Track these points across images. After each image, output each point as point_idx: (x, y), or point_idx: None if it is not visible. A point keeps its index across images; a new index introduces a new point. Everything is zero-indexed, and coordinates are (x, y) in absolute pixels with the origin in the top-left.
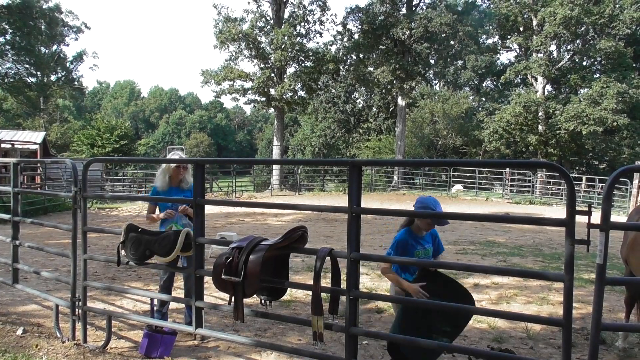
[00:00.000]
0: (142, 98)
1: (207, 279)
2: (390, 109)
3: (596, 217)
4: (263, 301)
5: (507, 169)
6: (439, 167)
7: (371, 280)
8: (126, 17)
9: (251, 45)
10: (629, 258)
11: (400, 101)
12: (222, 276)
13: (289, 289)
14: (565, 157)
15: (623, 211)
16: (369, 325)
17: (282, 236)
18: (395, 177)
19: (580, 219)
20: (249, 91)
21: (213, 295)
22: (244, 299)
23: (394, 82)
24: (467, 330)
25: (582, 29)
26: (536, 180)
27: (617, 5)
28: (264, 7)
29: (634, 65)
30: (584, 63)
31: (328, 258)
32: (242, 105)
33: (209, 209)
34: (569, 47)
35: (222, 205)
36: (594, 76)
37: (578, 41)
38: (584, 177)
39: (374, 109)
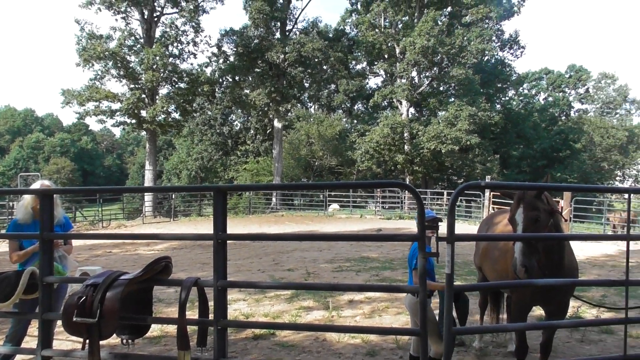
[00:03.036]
0: None
1: None
2: (268, 131)
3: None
4: (125, 340)
5: (378, 188)
6: (316, 189)
7: (248, 305)
8: None
9: (119, 65)
10: (482, 265)
11: (277, 123)
12: (75, 318)
13: (160, 324)
14: (429, 174)
15: (479, 221)
16: (246, 354)
17: (143, 268)
18: (274, 199)
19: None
20: (118, 113)
21: (70, 340)
22: (102, 341)
23: (270, 104)
24: (342, 346)
25: (438, 57)
26: (404, 197)
27: (465, 38)
28: (133, 25)
29: (482, 90)
30: (441, 88)
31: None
32: (110, 127)
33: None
34: (427, 74)
35: (73, 239)
36: (450, 100)
37: (435, 68)
38: (445, 192)
39: (252, 131)
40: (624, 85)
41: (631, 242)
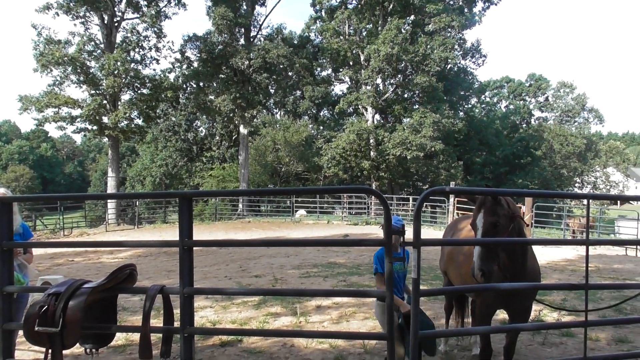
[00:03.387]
0: None
1: None
2: (233, 137)
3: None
4: (88, 350)
5: (345, 194)
6: (283, 194)
7: (215, 313)
8: None
9: (79, 70)
10: (447, 270)
11: (243, 129)
12: (36, 328)
13: (124, 332)
14: (394, 180)
15: (444, 227)
16: None
17: (107, 277)
18: (241, 205)
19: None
20: (78, 119)
21: (32, 350)
22: (65, 351)
23: (235, 110)
24: (310, 352)
25: (402, 65)
26: (371, 202)
27: (429, 46)
28: (92, 30)
29: (445, 98)
30: (405, 95)
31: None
32: (71, 134)
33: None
34: (392, 81)
35: (33, 247)
36: (414, 107)
37: (399, 76)
38: (410, 198)
39: (217, 138)
40: (582, 94)
41: (590, 247)
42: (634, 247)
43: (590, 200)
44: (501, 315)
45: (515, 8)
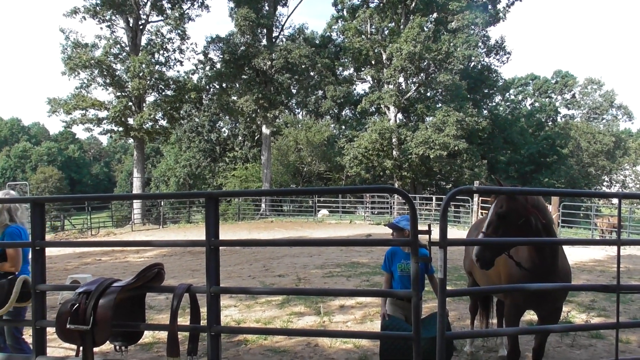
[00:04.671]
0: None
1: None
2: (256, 138)
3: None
4: (118, 347)
5: (368, 193)
6: (305, 194)
7: (239, 311)
8: None
9: (105, 73)
10: (472, 270)
11: (265, 130)
12: (68, 325)
13: (153, 330)
14: (417, 179)
15: (468, 226)
16: (238, 359)
17: (135, 276)
18: (263, 205)
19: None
20: (105, 121)
21: (63, 347)
22: (95, 348)
23: (258, 111)
24: (334, 351)
25: (425, 63)
26: (393, 202)
27: (452, 44)
28: (118, 33)
29: (469, 96)
30: (428, 94)
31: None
32: (97, 135)
33: (59, 250)
34: (414, 80)
35: (64, 247)
36: (437, 106)
37: (422, 74)
38: (434, 197)
39: (240, 138)
40: (610, 91)
41: (621, 248)
42: None
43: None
44: (528, 316)
45: (541, 3)
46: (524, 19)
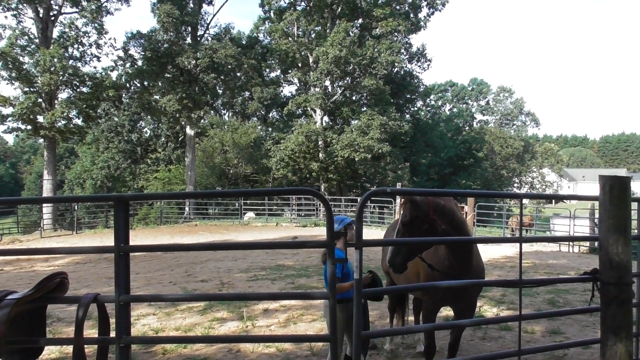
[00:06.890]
0: None
1: None
2: (180, 139)
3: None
4: None
5: (294, 196)
6: (224, 196)
7: (158, 320)
8: None
9: (10, 66)
10: (390, 270)
11: (189, 130)
12: None
13: (55, 345)
14: (343, 181)
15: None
16: None
17: (34, 286)
18: (187, 208)
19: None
20: (10, 118)
21: None
22: None
23: (182, 111)
24: (256, 356)
25: (350, 67)
26: (319, 204)
27: (376, 49)
28: (26, 23)
29: (392, 100)
30: (354, 98)
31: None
32: (1, 134)
33: None
34: (340, 83)
35: None
36: (362, 109)
37: (347, 78)
38: (358, 199)
39: (162, 139)
40: (519, 99)
41: (526, 244)
42: (567, 243)
43: (527, 200)
44: (444, 312)
45: (459, 15)
46: (443, 29)
